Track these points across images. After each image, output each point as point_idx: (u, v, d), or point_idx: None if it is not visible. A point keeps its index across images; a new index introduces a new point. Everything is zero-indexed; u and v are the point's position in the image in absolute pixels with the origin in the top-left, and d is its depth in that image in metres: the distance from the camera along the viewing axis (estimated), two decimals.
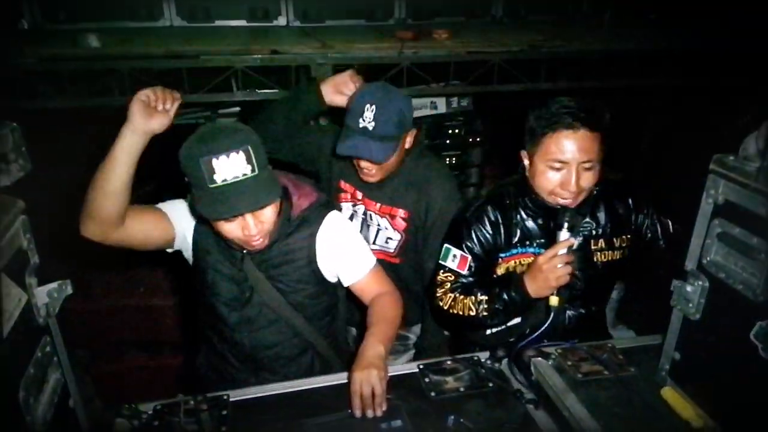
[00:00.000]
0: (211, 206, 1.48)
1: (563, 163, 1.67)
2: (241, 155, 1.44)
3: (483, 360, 1.71)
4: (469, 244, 1.85)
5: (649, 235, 1.88)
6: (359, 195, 2.22)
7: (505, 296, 1.76)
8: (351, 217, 2.26)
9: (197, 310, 1.90)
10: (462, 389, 1.59)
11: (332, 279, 1.84)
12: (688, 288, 1.31)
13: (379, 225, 2.21)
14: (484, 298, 1.79)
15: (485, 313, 1.79)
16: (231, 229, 1.56)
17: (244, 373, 1.83)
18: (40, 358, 1.19)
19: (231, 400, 1.55)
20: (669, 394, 1.40)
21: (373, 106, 1.92)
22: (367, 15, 4.97)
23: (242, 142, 1.45)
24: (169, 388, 3.14)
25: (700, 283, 1.29)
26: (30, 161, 1.22)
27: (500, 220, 1.84)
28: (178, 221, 1.72)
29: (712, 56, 4.66)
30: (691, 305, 1.31)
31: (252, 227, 1.54)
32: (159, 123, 1.50)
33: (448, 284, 1.86)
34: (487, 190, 1.98)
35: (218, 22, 4.50)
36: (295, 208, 1.72)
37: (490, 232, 1.84)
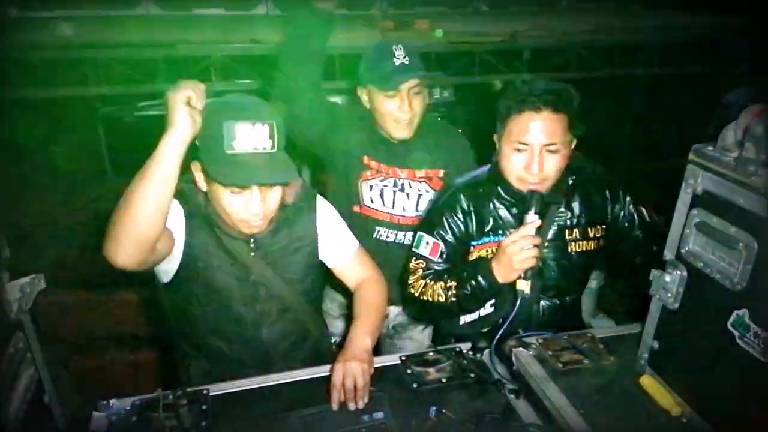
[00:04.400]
0: (226, 170, 1.41)
1: (526, 145, 1.66)
2: (266, 128, 1.42)
3: (465, 351, 1.71)
4: (440, 231, 1.84)
5: (626, 224, 1.88)
6: (384, 168, 2.20)
7: (473, 281, 1.74)
8: (381, 192, 2.23)
9: (180, 321, 1.76)
10: (444, 380, 1.59)
11: (325, 261, 1.83)
12: (667, 277, 1.32)
13: (419, 191, 2.23)
14: (453, 284, 1.78)
15: (453, 299, 1.77)
16: (233, 203, 1.50)
17: (258, 371, 1.70)
18: (12, 354, 1.16)
19: (211, 394, 1.53)
20: (648, 382, 1.42)
21: (400, 45, 2.04)
22: (348, 4, 4.94)
23: (268, 117, 1.43)
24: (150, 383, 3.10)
25: (679, 272, 1.30)
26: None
27: (472, 209, 1.83)
28: (173, 226, 1.57)
29: (691, 46, 4.72)
30: (669, 294, 1.32)
31: (257, 204, 1.50)
32: (199, 123, 1.39)
33: (420, 271, 1.85)
34: (460, 179, 1.96)
35: (196, 11, 4.44)
36: (287, 195, 1.67)
37: (462, 219, 1.83)
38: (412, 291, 1.86)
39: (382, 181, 2.22)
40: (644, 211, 1.89)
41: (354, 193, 2.22)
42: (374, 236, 2.25)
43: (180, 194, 1.60)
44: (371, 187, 2.22)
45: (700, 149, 1.24)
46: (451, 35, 4.20)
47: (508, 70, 4.35)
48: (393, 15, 4.79)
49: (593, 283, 3.64)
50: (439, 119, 2.29)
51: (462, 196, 1.84)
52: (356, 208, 2.23)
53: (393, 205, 2.23)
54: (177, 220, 1.59)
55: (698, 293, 1.27)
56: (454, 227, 1.83)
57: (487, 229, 1.83)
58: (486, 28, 4.41)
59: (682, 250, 1.29)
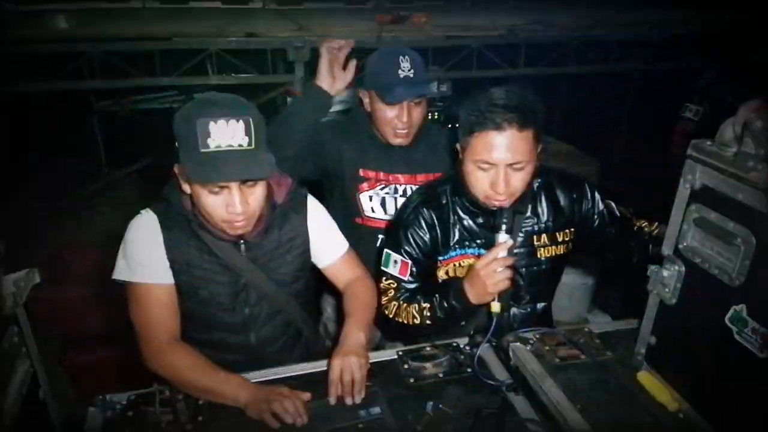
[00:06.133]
0: (201, 169, 1.38)
1: (490, 165, 1.59)
2: (241, 124, 1.38)
3: (462, 346, 1.72)
4: (407, 248, 1.78)
5: (596, 223, 1.81)
6: (383, 176, 2.18)
7: (445, 304, 1.70)
8: (383, 201, 2.20)
9: None
10: (441, 375, 1.59)
11: (315, 262, 1.81)
12: (665, 273, 1.32)
13: None
14: (427, 305, 1.73)
15: (429, 322, 1.73)
16: (214, 204, 1.45)
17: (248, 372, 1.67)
18: (6, 349, 1.15)
19: None
20: (645, 377, 1.42)
21: (407, 57, 2.03)
22: None
23: (243, 113, 1.40)
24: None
25: (677, 267, 1.30)
26: None
27: (436, 222, 1.77)
28: (158, 266, 1.56)
29: (685, 42, 4.71)
30: (667, 290, 1.32)
31: (237, 204, 1.44)
32: None
33: (392, 291, 1.81)
34: (420, 191, 1.92)
35: (192, 4, 4.43)
36: (277, 195, 1.66)
37: (427, 234, 1.77)
38: (386, 312, 1.81)
39: (382, 189, 2.20)
40: (613, 205, 1.81)
41: (353, 205, 2.20)
42: (378, 245, 2.22)
43: (161, 205, 1.61)
44: (371, 197, 2.20)
45: (699, 144, 1.23)
46: (448, 29, 4.19)
47: (506, 64, 4.34)
48: (390, 9, 4.77)
49: (589, 279, 3.66)
50: (431, 118, 2.25)
51: (425, 209, 1.79)
52: (358, 220, 2.21)
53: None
54: (155, 241, 1.57)
55: (696, 289, 1.26)
56: (420, 243, 1.78)
57: (453, 242, 1.79)
58: (484, 21, 4.40)
59: (680, 246, 1.29)
